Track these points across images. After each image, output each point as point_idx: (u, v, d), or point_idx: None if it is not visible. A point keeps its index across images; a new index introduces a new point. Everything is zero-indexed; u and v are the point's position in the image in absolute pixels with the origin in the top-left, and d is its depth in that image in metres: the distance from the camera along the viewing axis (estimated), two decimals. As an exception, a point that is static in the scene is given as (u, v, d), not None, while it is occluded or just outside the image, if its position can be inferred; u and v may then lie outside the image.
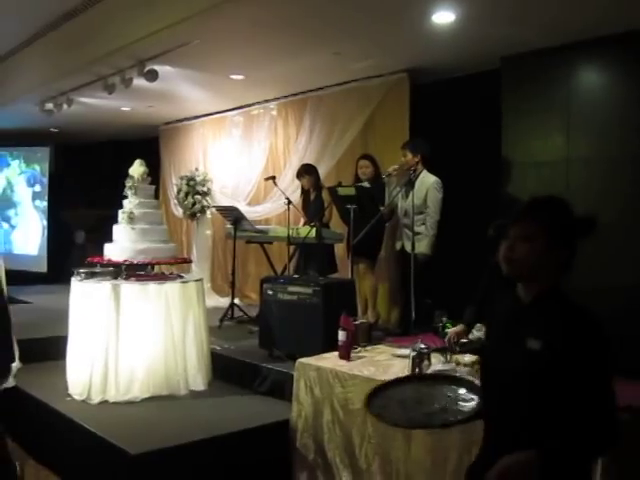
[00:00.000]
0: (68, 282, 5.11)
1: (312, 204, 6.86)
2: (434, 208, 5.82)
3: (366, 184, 6.21)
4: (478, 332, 4.79)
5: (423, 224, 5.82)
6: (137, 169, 5.33)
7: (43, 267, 11.53)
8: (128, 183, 5.30)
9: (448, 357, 3.49)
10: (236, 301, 7.27)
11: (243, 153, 8.92)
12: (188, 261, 6.32)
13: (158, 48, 6.09)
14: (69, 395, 4.77)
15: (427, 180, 5.87)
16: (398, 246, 6.09)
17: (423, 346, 3.52)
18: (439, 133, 6.41)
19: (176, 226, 9.95)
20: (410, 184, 5.65)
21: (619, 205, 5.46)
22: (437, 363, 3.46)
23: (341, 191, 6.05)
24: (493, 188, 6.24)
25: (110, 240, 5.29)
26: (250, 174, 8.72)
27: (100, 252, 5.31)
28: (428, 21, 5.30)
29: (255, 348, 5.39)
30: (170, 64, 6.57)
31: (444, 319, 4.92)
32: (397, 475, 3.46)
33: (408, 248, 5.66)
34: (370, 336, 4.68)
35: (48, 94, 8.09)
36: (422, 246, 5.71)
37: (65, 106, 8.06)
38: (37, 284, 10.71)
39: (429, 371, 3.38)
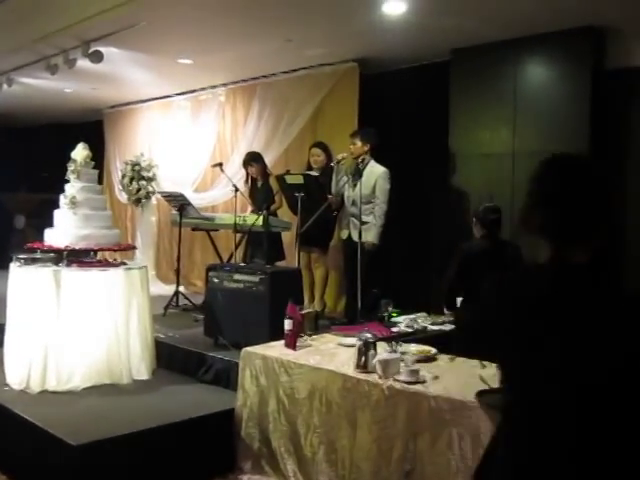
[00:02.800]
0: (6, 268, 4.97)
1: (259, 192, 6.82)
2: (382, 198, 5.84)
3: (315, 172, 6.21)
4: (423, 321, 4.87)
5: (371, 213, 5.83)
6: (80, 152, 5.20)
7: (-20, 252, 11.19)
8: (71, 167, 5.17)
9: (394, 347, 3.51)
10: (181, 289, 7.18)
11: (190, 139, 8.80)
12: (132, 248, 6.21)
13: (104, 29, 5.95)
14: (7, 385, 4.63)
15: (376, 170, 5.88)
16: (344, 235, 6.11)
17: (369, 335, 3.53)
18: (388, 123, 6.46)
19: (120, 212, 9.78)
20: (358, 173, 5.66)
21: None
22: (383, 352, 3.47)
23: (289, 179, 6.03)
24: (441, 179, 6.32)
25: (51, 225, 5.16)
26: (197, 160, 8.62)
27: (41, 238, 5.17)
28: (379, 11, 5.30)
29: (200, 336, 5.34)
30: (116, 46, 6.43)
31: (390, 308, 4.98)
32: (342, 463, 3.47)
33: (355, 237, 5.68)
34: (317, 325, 4.67)
35: (-13, 74, 7.85)
36: (370, 235, 5.74)
37: (5, 86, 7.82)
38: (-26, 269, 10.41)
39: (375, 360, 3.39)
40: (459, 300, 5.03)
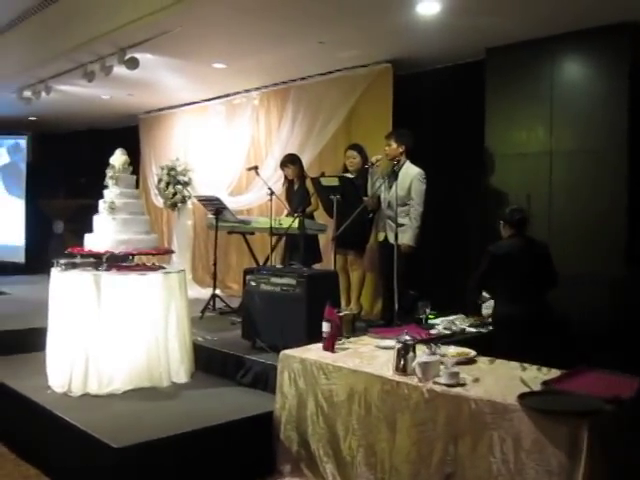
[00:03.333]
0: (46, 273, 5.05)
1: (296, 194, 6.84)
2: (418, 199, 5.82)
3: (350, 175, 6.20)
4: (461, 323, 4.83)
5: (407, 215, 5.82)
6: (118, 158, 5.26)
7: (21, 257, 11.40)
8: (109, 173, 5.23)
9: (433, 349, 3.49)
10: (217, 292, 7.24)
11: (225, 143, 8.86)
12: (170, 252, 6.27)
13: (140, 35, 6.03)
14: (49, 388, 4.70)
15: (411, 171, 5.86)
16: (381, 237, 6.11)
17: (408, 338, 3.52)
18: (422, 124, 6.43)
19: (157, 216, 9.88)
20: (394, 175, 5.64)
21: (601, 197, 5.51)
22: (422, 355, 3.46)
23: (324, 181, 6.03)
24: (477, 179, 6.27)
25: (89, 230, 5.22)
26: (232, 164, 8.67)
27: (79, 242, 5.24)
28: (413, 11, 5.29)
29: (238, 339, 5.37)
30: (151, 52, 6.51)
31: (427, 310, 4.95)
32: (382, 466, 3.47)
33: (391, 239, 5.65)
34: (354, 327, 4.68)
35: (27, 82, 7.99)
36: (406, 237, 5.71)
37: (44, 94, 7.97)
38: (15, 274, 10.60)
39: (414, 363, 3.38)
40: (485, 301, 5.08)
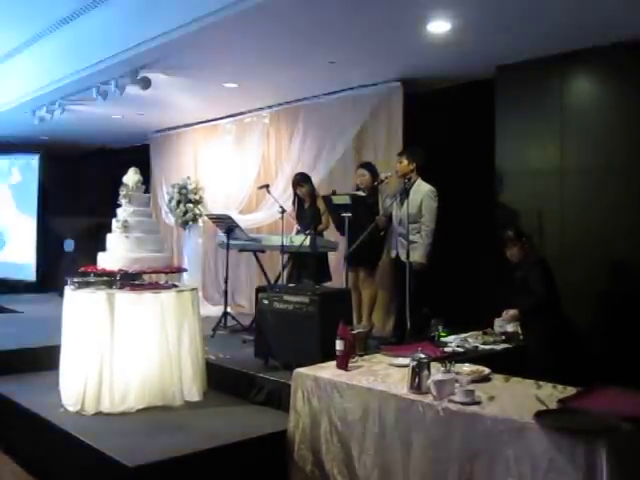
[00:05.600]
0: (58, 291, 5.08)
1: (306, 213, 6.87)
2: (429, 217, 5.83)
3: (361, 193, 6.22)
4: (474, 341, 4.81)
5: (418, 233, 5.82)
6: (131, 177, 5.30)
7: (32, 276, 11.45)
8: (122, 191, 5.27)
9: (448, 367, 3.47)
10: (228, 310, 7.25)
11: (235, 161, 8.91)
12: (183, 270, 6.30)
13: (152, 56, 6.07)
14: (62, 406, 4.71)
15: (422, 189, 5.88)
16: (392, 254, 6.12)
17: (423, 355, 3.51)
18: (433, 142, 6.43)
19: (166, 234, 9.88)
20: (405, 192, 5.65)
21: (613, 214, 5.50)
22: (437, 373, 3.44)
23: (335, 199, 6.05)
24: (488, 197, 6.27)
25: (100, 249, 5.25)
26: (242, 182, 8.71)
27: (90, 261, 5.27)
28: (423, 30, 5.32)
29: (250, 358, 5.37)
30: (163, 71, 6.56)
31: (440, 328, 4.94)
32: (397, 486, 3.44)
33: (403, 257, 5.66)
34: (367, 345, 4.66)
35: (41, 101, 8.06)
36: (417, 255, 5.72)
37: (57, 113, 8.03)
38: (26, 293, 10.64)
39: (429, 381, 3.37)
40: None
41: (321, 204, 6.57)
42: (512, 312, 5.11)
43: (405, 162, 5.97)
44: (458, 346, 4.65)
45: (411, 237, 5.65)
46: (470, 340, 4.82)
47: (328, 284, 6.48)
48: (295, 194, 6.98)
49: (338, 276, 6.59)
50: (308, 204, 6.90)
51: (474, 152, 6.46)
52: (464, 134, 6.56)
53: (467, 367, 3.79)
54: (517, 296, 5.18)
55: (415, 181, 5.91)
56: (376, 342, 5.60)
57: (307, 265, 6.45)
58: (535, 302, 5.03)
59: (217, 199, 9.04)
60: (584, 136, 5.71)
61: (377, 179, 6.14)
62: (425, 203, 5.84)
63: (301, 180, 6.89)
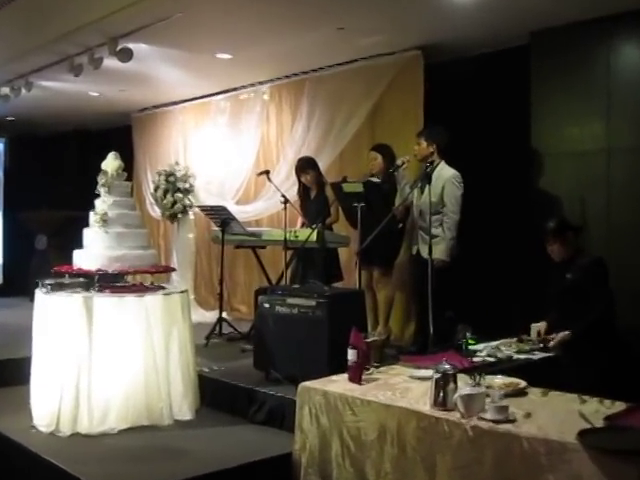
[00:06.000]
0: (28, 295, 5.10)
1: (313, 203, 6.88)
2: (452, 207, 5.81)
3: (376, 179, 6.21)
4: (507, 349, 4.81)
5: (441, 225, 5.80)
6: (111, 163, 5.30)
7: (-2, 277, 11.50)
8: (101, 180, 5.27)
9: (477, 379, 3.47)
10: (224, 315, 7.26)
11: (231, 144, 8.92)
12: (171, 270, 6.31)
13: (133, 23, 6.08)
14: (34, 427, 4.72)
15: (444, 174, 5.86)
16: (414, 251, 6.09)
17: (448, 367, 3.50)
18: (458, 120, 6.41)
19: (152, 228, 9.90)
20: (427, 178, 5.60)
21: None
22: (464, 387, 3.43)
23: (346, 187, 6.05)
24: (522, 183, 6.25)
25: (76, 246, 5.26)
26: (239, 168, 8.73)
27: (66, 260, 5.29)
28: (446, -9, 5.31)
29: (249, 370, 5.38)
30: (146, 42, 6.58)
31: (468, 334, 4.92)
32: (418, 516, 3.44)
33: (424, 253, 5.65)
34: (383, 355, 4.66)
35: (4, 77, 8.08)
36: (438, 251, 5.66)
37: (24, 91, 8.03)
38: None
39: (456, 395, 3.36)
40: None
41: (330, 193, 6.56)
42: (562, 335, 4.80)
43: (424, 144, 5.96)
44: (489, 355, 4.64)
45: (433, 230, 5.62)
46: (503, 348, 4.81)
47: (338, 285, 6.49)
48: (300, 182, 6.98)
49: (350, 275, 6.60)
50: (315, 193, 6.90)
51: (506, 131, 6.43)
52: (495, 110, 6.53)
53: (499, 379, 3.78)
54: (564, 307, 4.97)
55: (437, 165, 5.88)
56: (394, 351, 5.61)
57: (314, 263, 6.45)
58: (597, 319, 4.74)
59: (210, 188, 9.05)
60: (635, 111, 5.68)
61: (393, 164, 6.12)
62: (447, 190, 5.82)
63: (306, 165, 6.89)
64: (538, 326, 5.04)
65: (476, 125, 6.57)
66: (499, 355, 4.67)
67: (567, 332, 4.79)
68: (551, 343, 4.83)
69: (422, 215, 5.90)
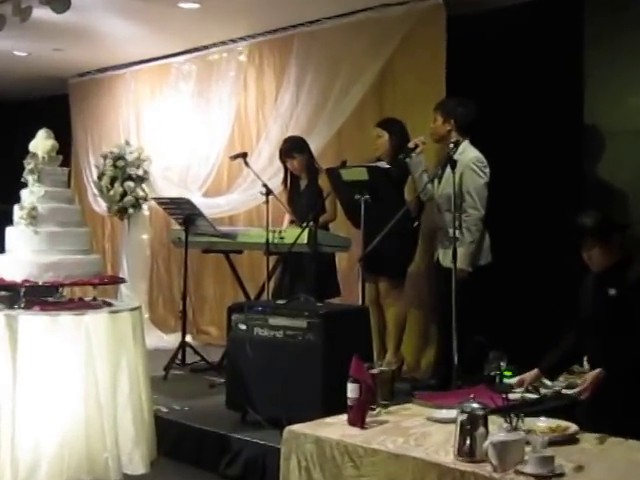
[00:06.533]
0: None
1: (303, 195, 6.90)
2: (472, 200, 5.76)
3: (384, 164, 6.20)
4: (554, 384, 4.81)
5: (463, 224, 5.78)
6: (42, 143, 5.29)
7: None
8: (29, 165, 5.26)
9: (514, 422, 3.46)
10: (188, 339, 7.26)
11: (197, 119, 8.92)
12: (120, 281, 6.29)
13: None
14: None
15: (464, 157, 5.77)
16: (434, 257, 6.07)
17: (477, 406, 3.50)
18: (489, 89, 6.41)
19: (96, 227, 9.90)
20: (451, 163, 5.52)
21: None
22: (498, 432, 3.43)
23: (346, 175, 6.04)
24: (572, 168, 6.24)
25: (1, 250, 5.25)
26: (208, 150, 8.72)
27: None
28: None
29: (221, 410, 5.40)
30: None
31: (502, 364, 4.92)
32: None
33: (445, 261, 5.66)
34: (393, 391, 4.66)
35: None
36: (458, 258, 5.59)
37: None
38: None
39: (487, 443, 3.36)
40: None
41: (325, 182, 6.57)
42: (594, 374, 4.35)
43: (439, 120, 5.96)
44: (529, 391, 4.65)
45: (451, 231, 5.57)
46: (547, 382, 4.82)
47: (336, 300, 6.49)
48: (286, 169, 6.99)
49: (350, 288, 6.59)
50: (305, 183, 6.92)
51: (551, 103, 6.42)
52: (536, 77, 6.53)
53: (543, 422, 3.78)
54: (601, 334, 4.49)
55: (459, 145, 5.74)
56: (407, 386, 5.63)
57: (305, 272, 6.46)
58: None
59: (170, 175, 9.05)
60: None
61: (403, 146, 6.09)
62: (467, 178, 5.77)
63: (293, 148, 6.90)
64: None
65: (511, 96, 6.55)
66: (543, 390, 4.68)
67: (599, 370, 4.31)
68: (578, 388, 4.36)
69: (440, 211, 5.90)
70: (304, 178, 6.93)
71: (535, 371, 4.54)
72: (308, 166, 6.89)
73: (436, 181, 5.96)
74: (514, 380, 4.77)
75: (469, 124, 5.97)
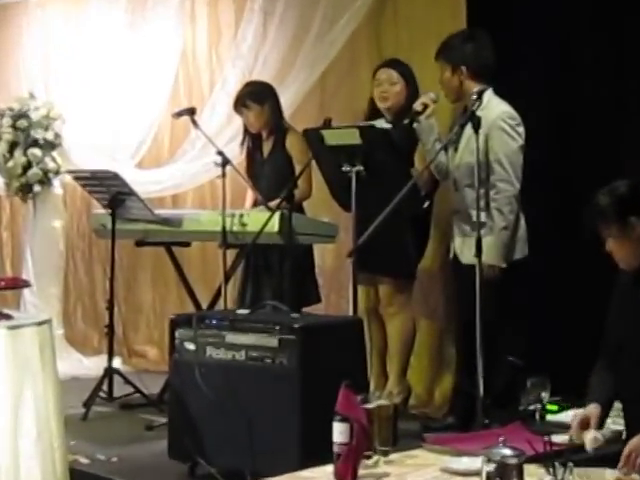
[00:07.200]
0: None
1: (268, 164, 6.94)
2: (503, 171, 5.73)
3: (383, 123, 6.21)
4: (614, 422, 4.85)
5: (488, 205, 5.77)
6: None
7: None
8: None
9: (561, 475, 3.49)
10: (117, 364, 7.27)
11: (128, 63, 8.91)
12: (23, 285, 6.31)
13: None
14: None
15: (487, 113, 5.68)
16: (452, 250, 6.07)
17: (509, 452, 3.52)
18: (523, 23, 6.43)
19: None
20: (472, 120, 5.48)
21: None
22: (538, 485, 3.47)
23: (331, 138, 6.03)
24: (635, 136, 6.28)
25: None
26: (142, 106, 8.74)
27: None
28: None
29: (161, 460, 5.43)
30: None
31: (544, 395, 4.95)
32: None
33: (465, 257, 5.68)
34: (396, 431, 4.69)
35: None
36: (486, 249, 5.57)
37: None
38: None
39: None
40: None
41: (297, 146, 6.62)
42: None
43: (447, 71, 5.96)
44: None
45: (475, 214, 5.57)
46: (607, 420, 4.86)
47: (317, 309, 6.51)
48: (245, 129, 7.02)
49: (338, 293, 6.62)
50: (271, 147, 6.95)
51: (597, 48, 6.45)
52: (583, 11, 6.55)
53: (611, 475, 3.81)
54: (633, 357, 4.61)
55: (481, 98, 5.72)
56: (416, 425, 5.64)
57: (273, 271, 6.47)
58: None
59: (91, 140, 9.04)
60: None
61: (415, 95, 6.12)
62: (494, 141, 5.75)
63: (248, 94, 6.91)
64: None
65: (550, 34, 6.57)
66: (602, 431, 4.71)
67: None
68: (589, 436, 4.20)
69: (458, 188, 5.93)
70: (267, 140, 6.96)
71: (595, 406, 4.25)
72: (271, 123, 6.91)
73: (451, 149, 5.96)
74: (568, 417, 4.78)
75: (488, 67, 5.94)
